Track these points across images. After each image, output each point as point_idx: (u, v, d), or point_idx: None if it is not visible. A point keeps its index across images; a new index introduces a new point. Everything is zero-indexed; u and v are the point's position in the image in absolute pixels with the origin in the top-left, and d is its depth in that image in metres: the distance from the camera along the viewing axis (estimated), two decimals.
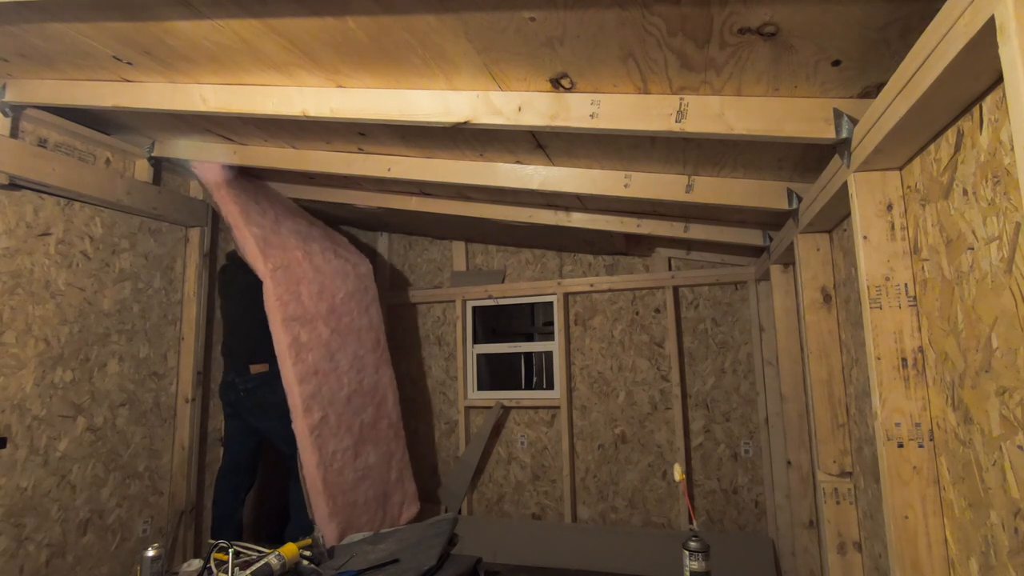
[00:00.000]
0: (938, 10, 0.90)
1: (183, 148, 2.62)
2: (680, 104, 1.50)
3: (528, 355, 4.38)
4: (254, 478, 2.88)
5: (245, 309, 2.88)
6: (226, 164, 2.67)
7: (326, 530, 2.58)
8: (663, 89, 1.50)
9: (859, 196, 1.37)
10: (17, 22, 1.63)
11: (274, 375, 2.70)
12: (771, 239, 2.50)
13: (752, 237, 2.57)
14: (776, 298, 2.59)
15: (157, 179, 2.75)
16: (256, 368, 2.75)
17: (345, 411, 2.85)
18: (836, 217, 1.78)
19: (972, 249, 1.05)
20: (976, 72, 0.90)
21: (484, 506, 3.58)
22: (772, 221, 2.33)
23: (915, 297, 1.31)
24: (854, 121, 1.34)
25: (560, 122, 1.60)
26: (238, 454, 2.82)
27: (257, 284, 2.78)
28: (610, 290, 3.47)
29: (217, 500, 2.79)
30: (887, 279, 1.34)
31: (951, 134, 1.10)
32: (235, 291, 2.93)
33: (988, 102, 0.96)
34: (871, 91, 1.32)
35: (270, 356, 2.72)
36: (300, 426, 2.62)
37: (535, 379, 4.40)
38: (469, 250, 3.89)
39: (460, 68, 1.56)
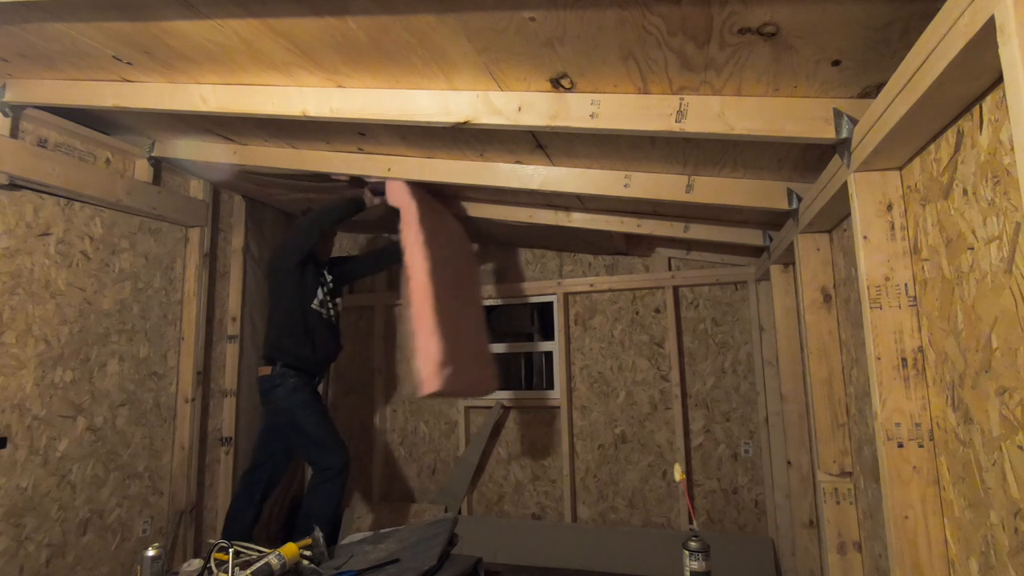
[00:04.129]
0: (938, 10, 0.90)
1: (183, 148, 2.62)
2: (680, 104, 1.50)
3: (528, 355, 4.37)
4: (273, 480, 2.80)
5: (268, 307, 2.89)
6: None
7: (438, 376, 2.32)
8: (663, 89, 1.50)
9: (859, 196, 1.37)
10: (17, 22, 1.63)
11: (276, 380, 2.69)
12: (771, 239, 2.50)
13: (752, 237, 2.57)
14: (776, 298, 2.59)
15: (157, 179, 2.75)
16: (262, 370, 2.74)
17: (449, 270, 2.70)
18: (836, 217, 1.78)
19: (972, 249, 1.05)
20: (976, 72, 0.90)
21: (484, 506, 3.58)
22: (772, 221, 2.33)
23: (915, 297, 1.31)
24: (854, 121, 1.34)
25: (560, 122, 1.60)
26: (255, 454, 2.83)
27: (270, 281, 2.79)
28: (610, 290, 3.46)
29: (233, 497, 2.82)
30: (887, 279, 1.34)
31: (951, 134, 1.09)
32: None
33: (988, 102, 0.96)
34: (871, 91, 1.32)
35: (275, 354, 2.72)
36: (420, 275, 2.44)
37: (535, 379, 4.39)
38: None
39: (460, 68, 1.56)
